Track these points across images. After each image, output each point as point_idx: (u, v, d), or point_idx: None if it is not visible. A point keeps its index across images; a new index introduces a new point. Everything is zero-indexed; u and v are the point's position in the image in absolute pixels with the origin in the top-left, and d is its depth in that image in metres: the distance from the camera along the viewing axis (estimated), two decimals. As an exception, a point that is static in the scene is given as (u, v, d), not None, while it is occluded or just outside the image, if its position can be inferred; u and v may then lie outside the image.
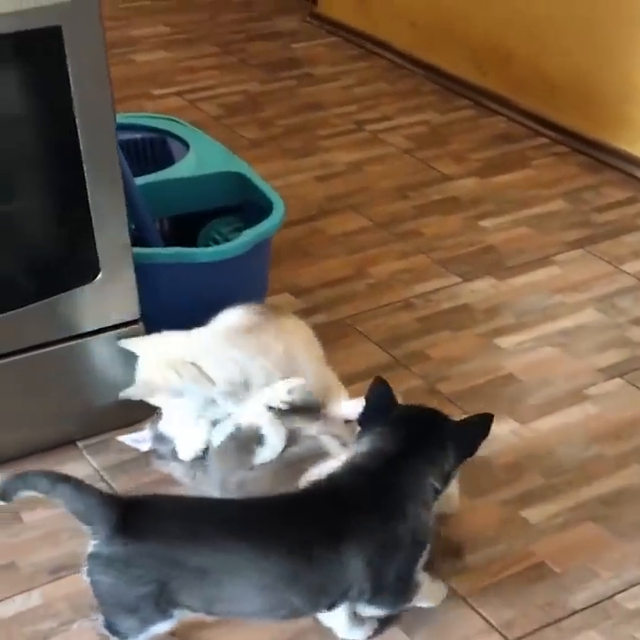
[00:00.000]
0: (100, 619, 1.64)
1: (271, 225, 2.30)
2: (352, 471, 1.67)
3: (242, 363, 1.94)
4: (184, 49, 4.20)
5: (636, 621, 1.78)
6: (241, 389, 1.94)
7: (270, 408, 1.91)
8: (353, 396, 2.08)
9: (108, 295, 2.02)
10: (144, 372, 1.96)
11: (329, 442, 1.90)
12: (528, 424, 2.20)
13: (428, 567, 1.72)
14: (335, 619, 1.71)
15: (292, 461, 1.87)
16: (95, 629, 1.75)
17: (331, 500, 1.63)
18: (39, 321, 1.99)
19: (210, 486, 1.92)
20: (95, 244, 1.96)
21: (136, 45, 4.21)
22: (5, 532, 1.97)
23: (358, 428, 1.75)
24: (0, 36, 1.74)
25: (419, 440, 1.69)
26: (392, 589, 1.65)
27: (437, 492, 1.68)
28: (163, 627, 1.62)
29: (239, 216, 2.48)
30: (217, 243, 2.44)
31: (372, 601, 1.65)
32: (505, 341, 2.48)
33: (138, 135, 2.57)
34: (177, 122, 2.65)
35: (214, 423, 1.96)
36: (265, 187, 2.41)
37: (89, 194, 1.91)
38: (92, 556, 1.56)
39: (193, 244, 2.47)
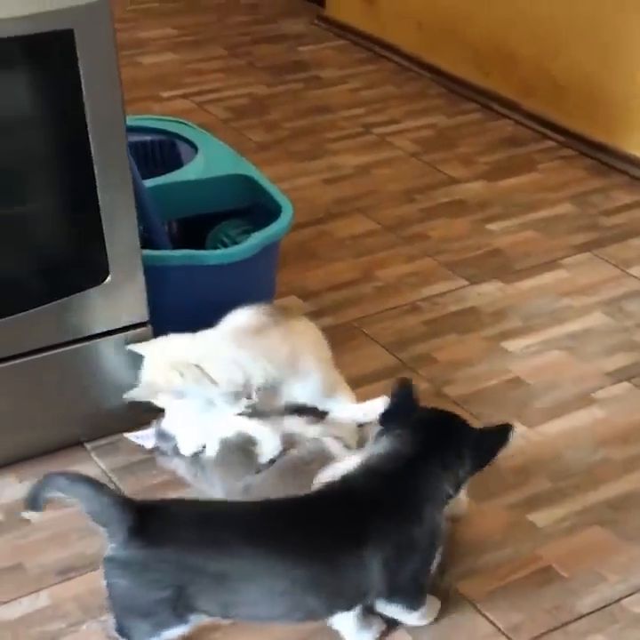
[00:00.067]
0: (111, 622, 1.64)
1: (280, 228, 2.30)
2: (367, 473, 1.67)
3: (244, 364, 1.95)
4: (192, 51, 4.20)
5: (644, 625, 1.78)
6: (242, 390, 1.95)
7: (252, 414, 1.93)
8: (360, 398, 2.08)
9: (117, 297, 2.03)
10: (148, 373, 1.97)
11: (332, 444, 1.90)
12: (535, 428, 2.20)
13: (440, 570, 1.72)
14: (344, 621, 1.71)
15: (296, 464, 1.87)
16: (104, 631, 1.76)
17: (348, 503, 1.64)
18: (48, 323, 2.00)
19: (211, 487, 1.93)
20: (105, 247, 1.96)
21: (144, 47, 4.21)
22: (13, 533, 1.98)
23: (377, 429, 1.75)
24: (13, 39, 1.75)
25: (436, 444, 1.69)
26: (406, 591, 1.66)
27: (449, 497, 1.68)
28: (177, 631, 1.62)
29: (247, 219, 2.49)
30: (225, 245, 2.45)
31: (390, 601, 1.66)
32: (512, 345, 2.48)
33: (147, 137, 2.58)
34: (185, 124, 2.65)
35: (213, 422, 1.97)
36: (273, 189, 2.41)
37: (99, 196, 1.92)
38: (109, 559, 1.56)
39: (201, 246, 2.48)
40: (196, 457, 1.95)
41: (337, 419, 2.01)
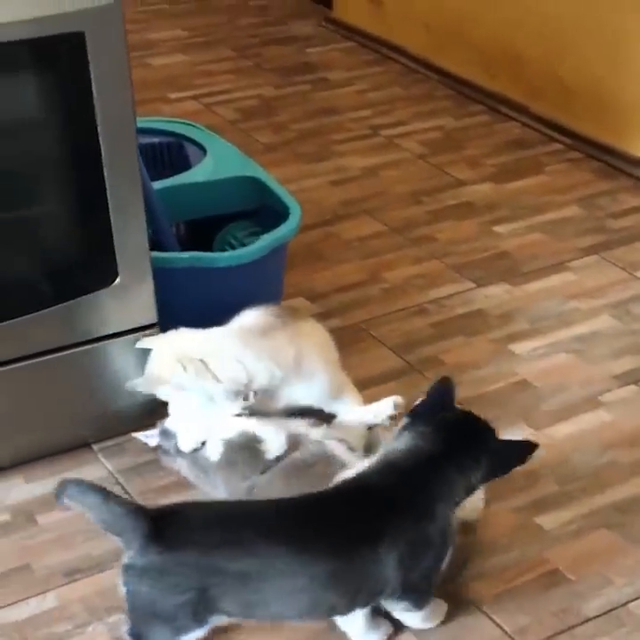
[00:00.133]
0: (125, 628, 1.64)
1: (288, 230, 2.30)
2: (385, 469, 1.68)
3: (248, 363, 1.96)
4: (201, 52, 4.21)
5: (650, 629, 1.78)
6: (244, 389, 1.95)
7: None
8: (367, 400, 2.08)
9: (126, 299, 2.03)
10: (153, 365, 1.99)
11: (336, 446, 1.90)
12: (542, 430, 2.20)
13: (452, 573, 1.73)
14: (352, 623, 1.72)
15: (300, 466, 1.87)
16: (111, 633, 1.76)
17: (365, 499, 1.64)
18: (57, 324, 2.00)
19: (214, 488, 1.93)
20: (114, 249, 1.97)
21: (153, 48, 4.21)
22: (20, 533, 1.98)
23: (403, 422, 1.75)
24: (25, 42, 1.76)
25: (456, 447, 1.69)
26: (418, 589, 1.67)
27: (459, 501, 1.69)
28: (195, 635, 1.61)
29: (255, 220, 2.49)
30: (233, 247, 2.45)
31: (401, 598, 1.66)
32: (519, 347, 2.48)
33: (155, 139, 2.58)
34: (194, 126, 2.65)
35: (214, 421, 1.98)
36: (281, 191, 2.41)
37: (109, 198, 1.92)
38: (127, 567, 1.56)
39: (208, 248, 2.48)
40: (197, 458, 1.95)
41: (346, 421, 2.01)
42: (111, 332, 2.05)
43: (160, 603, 1.57)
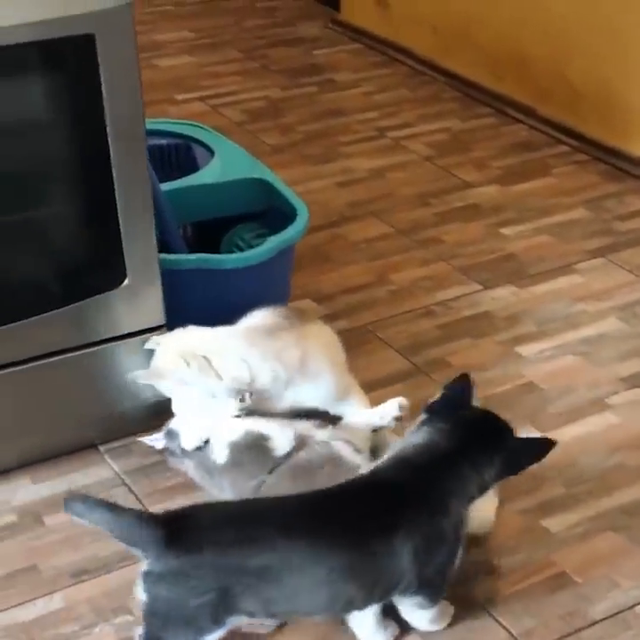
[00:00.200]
0: (138, 631, 1.64)
1: (296, 231, 2.30)
2: (400, 464, 1.69)
3: (252, 362, 1.96)
4: (208, 54, 4.21)
5: (657, 632, 1.78)
6: (246, 389, 1.96)
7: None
8: (373, 402, 2.08)
9: (134, 301, 2.03)
10: (158, 359, 2.00)
11: (342, 447, 1.90)
12: (549, 433, 2.19)
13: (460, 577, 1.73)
14: (362, 621, 1.72)
15: (308, 467, 1.87)
16: (117, 634, 1.76)
17: (381, 493, 1.66)
18: (65, 326, 2.00)
19: (220, 491, 1.93)
20: (122, 250, 1.97)
21: (160, 50, 4.22)
22: (27, 535, 1.98)
23: (420, 418, 1.76)
24: (35, 43, 1.76)
25: (472, 444, 1.70)
26: (433, 583, 1.68)
27: (472, 498, 1.70)
28: (212, 637, 1.61)
29: (262, 222, 2.49)
30: (240, 249, 2.45)
31: (416, 593, 1.67)
32: (526, 349, 2.48)
33: (163, 141, 2.58)
34: (201, 128, 2.66)
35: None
36: (288, 193, 2.41)
37: (118, 200, 1.92)
38: (147, 574, 1.56)
39: (216, 249, 2.48)
40: (203, 459, 1.95)
41: (352, 423, 2.01)
42: (119, 334, 2.06)
43: (180, 606, 1.57)
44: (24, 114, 1.84)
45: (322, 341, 2.09)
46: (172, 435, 2.00)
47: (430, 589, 1.68)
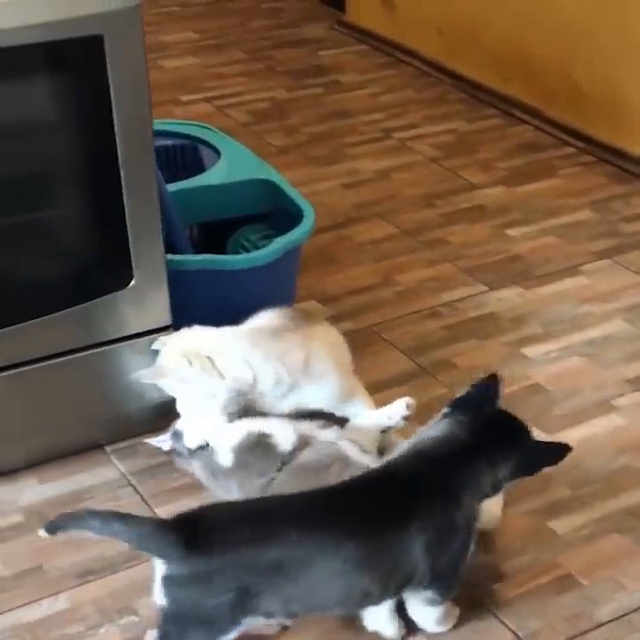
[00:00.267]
0: (152, 635, 1.64)
1: (302, 232, 2.30)
2: (415, 456, 1.70)
3: (255, 363, 1.96)
4: (213, 55, 4.21)
5: (663, 634, 1.78)
6: (248, 389, 1.96)
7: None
8: (379, 404, 2.08)
9: (141, 301, 2.04)
10: (162, 358, 2.00)
11: (348, 447, 1.90)
12: (555, 434, 2.20)
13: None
14: (377, 617, 1.74)
15: (316, 467, 1.87)
16: (123, 635, 1.76)
17: (395, 484, 1.67)
18: (72, 326, 2.01)
19: (227, 492, 1.93)
20: (129, 251, 1.97)
21: (165, 51, 4.22)
22: (33, 535, 1.97)
23: (443, 411, 1.77)
24: (43, 44, 1.76)
25: (489, 440, 1.72)
26: (446, 577, 1.68)
27: (485, 496, 1.71)
28: (228, 637, 1.62)
29: (268, 223, 2.49)
30: (246, 249, 2.45)
31: (429, 586, 1.68)
32: (532, 351, 2.48)
33: (169, 142, 2.58)
34: (208, 128, 2.66)
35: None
36: (295, 194, 2.41)
37: (125, 201, 1.92)
38: (166, 578, 1.57)
39: (222, 250, 2.48)
40: (209, 461, 1.95)
41: (361, 424, 2.01)
42: (126, 334, 2.06)
43: (199, 607, 1.57)
44: (32, 115, 1.85)
45: (327, 342, 2.09)
46: (178, 435, 2.00)
47: (442, 582, 1.69)
